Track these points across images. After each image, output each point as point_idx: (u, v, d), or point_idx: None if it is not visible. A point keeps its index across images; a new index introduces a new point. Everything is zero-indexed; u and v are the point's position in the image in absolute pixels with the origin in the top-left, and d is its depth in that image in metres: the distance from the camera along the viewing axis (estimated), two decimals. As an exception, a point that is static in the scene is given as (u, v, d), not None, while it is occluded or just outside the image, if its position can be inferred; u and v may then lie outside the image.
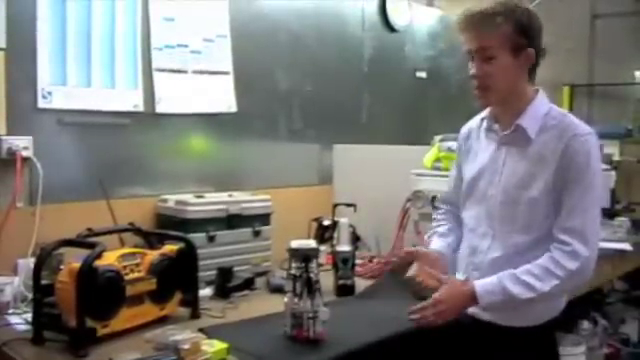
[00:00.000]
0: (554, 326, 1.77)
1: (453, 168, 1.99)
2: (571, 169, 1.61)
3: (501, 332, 1.72)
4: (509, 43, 1.63)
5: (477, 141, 1.83)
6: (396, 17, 3.83)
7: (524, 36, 1.64)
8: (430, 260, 1.77)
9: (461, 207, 1.87)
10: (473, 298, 1.63)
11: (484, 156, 1.78)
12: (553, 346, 1.79)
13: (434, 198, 2.48)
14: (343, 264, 2.39)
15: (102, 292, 1.75)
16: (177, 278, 2.01)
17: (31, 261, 1.97)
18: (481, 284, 1.64)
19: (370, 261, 2.76)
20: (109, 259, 1.81)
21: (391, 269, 2.52)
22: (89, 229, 1.92)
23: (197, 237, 2.35)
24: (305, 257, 1.84)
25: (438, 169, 2.68)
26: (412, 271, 1.75)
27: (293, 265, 1.86)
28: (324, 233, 2.76)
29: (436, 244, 1.88)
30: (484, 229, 1.75)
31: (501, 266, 1.67)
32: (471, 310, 1.74)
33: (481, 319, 1.74)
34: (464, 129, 1.93)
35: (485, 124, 1.80)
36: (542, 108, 1.69)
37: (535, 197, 1.64)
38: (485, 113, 1.81)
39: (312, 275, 1.82)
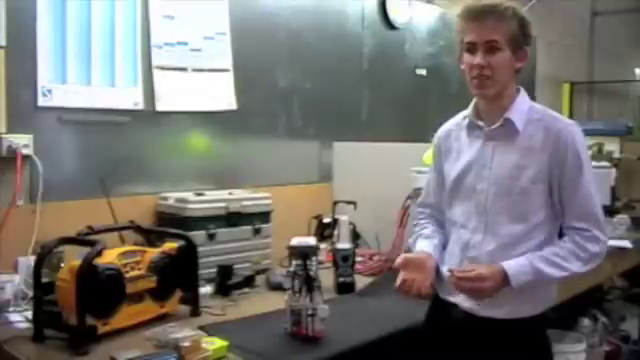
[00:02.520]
0: (547, 317, 1.80)
1: (431, 171, 1.97)
2: (567, 160, 1.68)
3: (497, 325, 1.72)
4: (512, 39, 1.68)
5: (457, 140, 1.85)
6: (396, 15, 3.83)
7: (523, 35, 1.70)
8: (418, 264, 1.77)
9: (446, 207, 1.87)
10: (505, 279, 1.65)
11: (469, 153, 1.79)
12: (546, 338, 1.81)
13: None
14: (343, 262, 2.40)
15: (102, 290, 1.75)
16: (177, 276, 2.01)
17: (31, 259, 1.98)
18: (511, 265, 1.66)
19: (370, 259, 2.77)
20: (109, 257, 1.82)
21: (391, 267, 2.53)
22: (89, 227, 1.92)
23: (197, 235, 2.36)
24: (303, 255, 1.84)
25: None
26: (398, 280, 1.75)
27: (292, 263, 1.86)
28: (324, 231, 2.76)
29: (421, 245, 1.87)
30: (475, 224, 1.76)
31: (498, 257, 1.69)
32: (468, 305, 1.75)
33: (476, 314, 1.74)
34: (442, 130, 1.94)
35: (467, 122, 1.82)
36: (525, 104, 1.76)
37: (527, 186, 1.69)
38: (467, 111, 1.83)
39: (311, 272, 1.83)
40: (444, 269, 1.80)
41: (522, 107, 1.74)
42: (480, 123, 1.78)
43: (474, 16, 1.68)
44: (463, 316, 1.77)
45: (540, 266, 1.65)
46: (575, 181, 1.68)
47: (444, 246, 1.87)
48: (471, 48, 1.69)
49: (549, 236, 1.73)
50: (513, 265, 1.66)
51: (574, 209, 1.69)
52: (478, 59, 1.67)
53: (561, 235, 1.76)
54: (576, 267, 1.67)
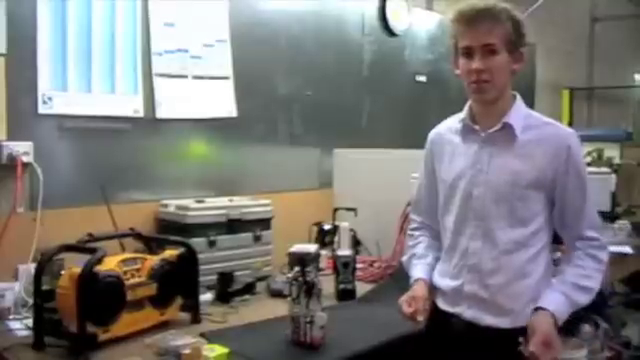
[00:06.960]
0: None
1: (422, 175, 1.93)
2: (569, 173, 1.67)
3: (501, 335, 1.69)
4: (508, 41, 1.66)
5: (450, 144, 1.82)
6: (396, 21, 3.84)
7: (518, 35, 1.68)
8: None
9: (440, 212, 1.84)
10: (553, 319, 1.63)
11: (464, 158, 1.77)
12: None
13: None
14: (344, 268, 2.40)
15: (103, 297, 1.75)
16: (178, 283, 2.01)
17: (32, 267, 1.98)
18: (551, 305, 1.64)
19: (371, 265, 2.77)
20: (110, 264, 1.82)
21: (391, 274, 2.52)
22: (90, 234, 1.92)
23: (197, 242, 2.35)
24: (302, 261, 1.84)
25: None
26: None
27: (291, 270, 1.86)
28: (325, 237, 2.76)
29: (418, 271, 1.84)
30: (472, 230, 1.73)
31: (502, 263, 1.68)
32: (470, 315, 1.72)
33: (479, 324, 1.72)
34: (434, 133, 1.91)
35: (462, 126, 1.79)
36: (522, 110, 1.75)
37: (527, 192, 1.68)
38: (462, 115, 1.80)
39: (309, 279, 1.82)
40: (449, 282, 1.78)
41: (520, 113, 1.72)
42: (476, 127, 1.75)
43: (468, 20, 1.65)
44: (465, 326, 1.73)
45: (575, 297, 1.66)
46: (581, 194, 1.69)
47: (437, 260, 1.85)
48: (468, 53, 1.67)
49: (548, 242, 1.72)
50: (551, 304, 1.64)
51: (584, 220, 1.70)
52: (476, 64, 1.65)
53: (557, 240, 1.76)
54: (598, 282, 1.68)
